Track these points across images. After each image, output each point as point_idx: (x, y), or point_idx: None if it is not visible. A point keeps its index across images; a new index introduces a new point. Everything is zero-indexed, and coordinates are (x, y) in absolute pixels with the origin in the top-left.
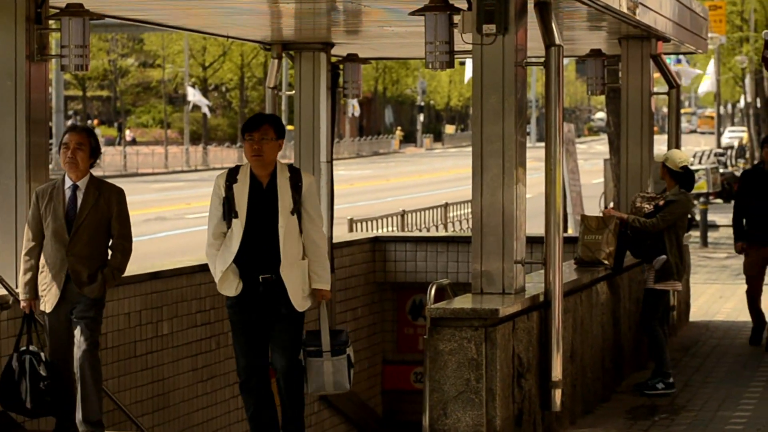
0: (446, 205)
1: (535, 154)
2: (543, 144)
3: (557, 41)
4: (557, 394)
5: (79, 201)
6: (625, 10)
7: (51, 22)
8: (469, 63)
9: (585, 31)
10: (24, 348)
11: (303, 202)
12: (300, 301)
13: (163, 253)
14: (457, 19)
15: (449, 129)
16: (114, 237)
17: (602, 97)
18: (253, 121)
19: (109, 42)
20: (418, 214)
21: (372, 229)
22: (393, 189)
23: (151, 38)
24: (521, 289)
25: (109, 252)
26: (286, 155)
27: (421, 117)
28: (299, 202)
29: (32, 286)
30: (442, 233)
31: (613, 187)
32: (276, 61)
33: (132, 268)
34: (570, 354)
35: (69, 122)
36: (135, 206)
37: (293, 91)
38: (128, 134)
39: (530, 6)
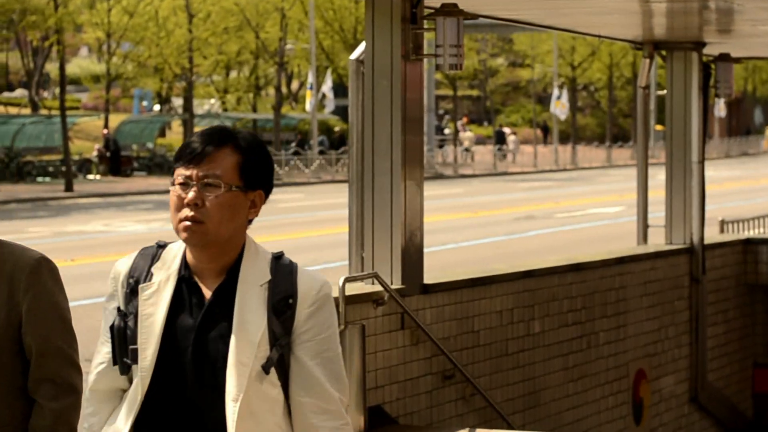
0: None
1: None
2: None
3: None
4: None
5: None
6: None
7: (425, 22)
8: None
9: None
10: None
11: (295, 344)
12: None
13: (532, 252)
14: None
15: None
16: (32, 366)
17: None
18: (195, 143)
19: (479, 42)
20: None
21: (743, 231)
22: (763, 190)
23: (521, 38)
24: None
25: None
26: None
27: None
28: (287, 345)
29: None
30: None
31: None
32: (647, 60)
33: (504, 267)
34: None
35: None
36: (504, 204)
37: (664, 91)
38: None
39: None
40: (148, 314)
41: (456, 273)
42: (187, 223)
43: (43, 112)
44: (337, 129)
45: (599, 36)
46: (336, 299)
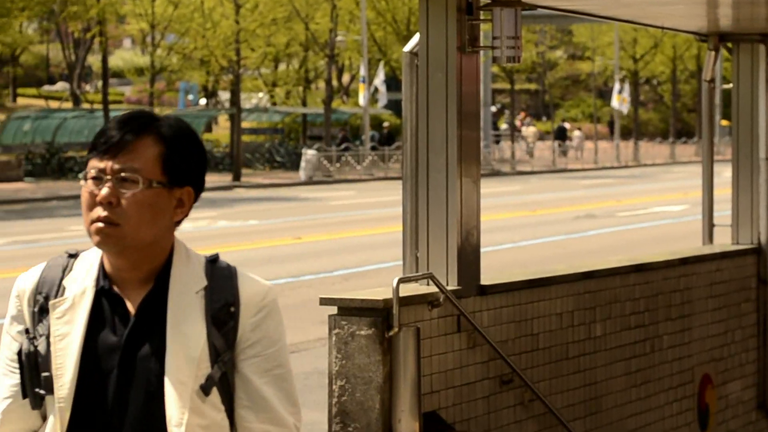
0: None
1: None
2: None
3: None
4: None
5: None
6: None
7: (482, 13)
8: None
9: None
10: None
11: (240, 360)
12: None
13: (593, 252)
14: None
15: None
16: None
17: None
18: (111, 130)
19: (537, 34)
20: None
21: None
22: None
23: (580, 30)
24: None
25: None
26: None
27: None
28: (230, 361)
29: None
30: None
31: None
32: (712, 53)
33: (563, 268)
34: None
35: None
36: (564, 202)
37: (729, 85)
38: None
39: None
40: (63, 334)
41: (514, 274)
42: (100, 224)
43: (85, 106)
44: (385, 125)
45: (662, 27)
46: (390, 301)
